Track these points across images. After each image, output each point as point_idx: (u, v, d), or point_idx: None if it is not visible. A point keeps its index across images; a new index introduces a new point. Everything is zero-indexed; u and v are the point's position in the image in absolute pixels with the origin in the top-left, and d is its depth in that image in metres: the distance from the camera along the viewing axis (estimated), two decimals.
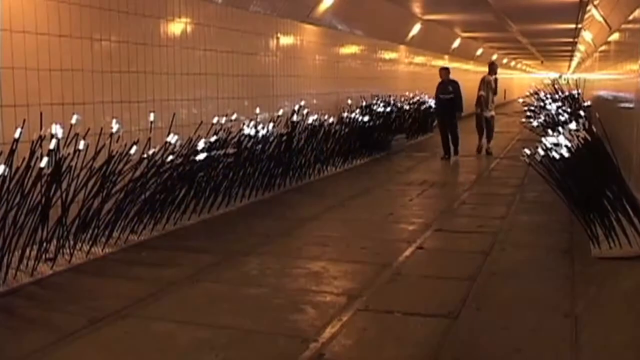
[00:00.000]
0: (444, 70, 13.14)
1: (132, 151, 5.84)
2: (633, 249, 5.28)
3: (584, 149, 5.79)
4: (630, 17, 8.79)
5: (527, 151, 6.04)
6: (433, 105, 17.59)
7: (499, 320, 4.27)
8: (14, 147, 4.85)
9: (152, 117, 6.60)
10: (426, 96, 16.90)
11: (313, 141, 9.67)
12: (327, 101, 11.78)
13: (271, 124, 8.42)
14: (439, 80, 13.08)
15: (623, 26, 9.92)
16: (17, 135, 4.91)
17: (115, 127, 5.85)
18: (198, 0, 8.00)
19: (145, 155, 6.09)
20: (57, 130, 5.14)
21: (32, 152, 4.94)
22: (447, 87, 12.76)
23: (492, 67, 13.80)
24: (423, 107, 16.63)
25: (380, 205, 8.38)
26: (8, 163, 4.75)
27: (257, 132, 7.96)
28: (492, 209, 7.85)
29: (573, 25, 17.68)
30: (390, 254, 5.83)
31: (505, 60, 35.14)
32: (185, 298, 4.73)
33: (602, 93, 13.97)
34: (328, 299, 4.69)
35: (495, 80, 13.63)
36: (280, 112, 9.24)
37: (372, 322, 4.30)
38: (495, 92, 13.62)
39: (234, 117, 7.98)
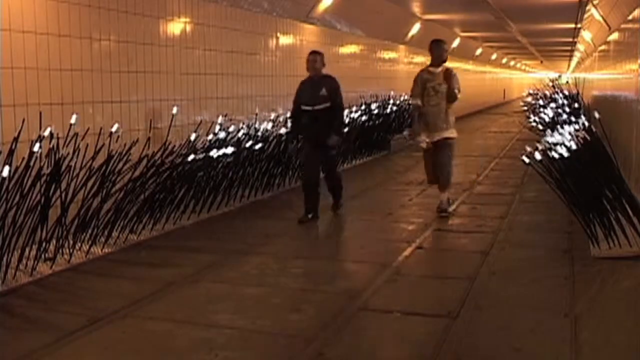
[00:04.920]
0: (315, 56, 7.23)
1: (131, 151, 5.84)
2: (632, 248, 5.28)
3: (584, 149, 5.79)
4: (630, 17, 8.79)
5: (526, 160, 5.99)
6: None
7: (498, 320, 4.27)
8: (14, 146, 4.85)
9: (151, 116, 6.60)
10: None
11: None
12: None
13: (270, 124, 8.41)
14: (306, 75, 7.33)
15: (622, 26, 9.92)
16: (16, 134, 4.91)
17: (114, 126, 5.85)
18: (198, 0, 7.99)
19: (144, 155, 6.09)
20: (51, 131, 5.14)
21: (32, 152, 4.94)
22: (318, 89, 7.07)
23: (437, 50, 7.38)
24: None
25: (380, 205, 8.37)
26: (7, 163, 4.75)
27: (256, 131, 7.95)
28: (491, 208, 7.85)
29: (572, 25, 17.70)
30: (389, 254, 5.83)
31: (504, 60, 35.19)
32: (185, 298, 4.73)
33: (602, 93, 13.97)
34: (328, 298, 4.69)
35: (449, 75, 7.23)
36: (280, 112, 9.23)
37: (371, 322, 4.30)
38: (451, 98, 7.25)
39: (233, 117, 7.97)
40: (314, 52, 7.36)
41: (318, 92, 7.07)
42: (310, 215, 7.18)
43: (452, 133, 7.39)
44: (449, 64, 7.41)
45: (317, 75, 7.20)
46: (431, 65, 7.41)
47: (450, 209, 7.58)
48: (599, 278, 5.03)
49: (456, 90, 7.26)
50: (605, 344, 3.82)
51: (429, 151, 7.43)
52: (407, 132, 8.19)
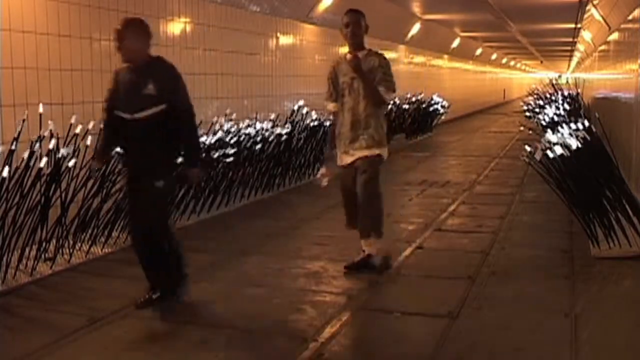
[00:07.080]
0: (127, 29, 4.32)
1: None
2: (632, 248, 5.30)
3: (584, 149, 5.80)
4: (630, 17, 8.80)
5: (526, 159, 6.01)
6: (438, 107, 17.28)
7: (498, 320, 4.27)
8: (14, 146, 4.85)
9: None
10: (422, 95, 16.94)
11: (312, 141, 9.66)
12: None
13: (270, 124, 8.41)
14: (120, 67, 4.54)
15: (622, 26, 9.93)
16: (16, 134, 4.92)
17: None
18: (198, 0, 8.00)
19: None
20: (51, 131, 5.14)
21: (32, 152, 4.94)
22: (140, 84, 4.17)
23: (352, 26, 5.32)
24: (423, 106, 16.66)
25: None
26: (7, 163, 4.75)
27: (256, 132, 7.96)
28: (491, 208, 7.85)
29: (572, 25, 17.70)
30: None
31: (504, 60, 35.19)
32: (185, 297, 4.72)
33: (602, 93, 13.97)
34: (327, 298, 4.69)
35: (382, 64, 5.19)
36: (280, 112, 9.24)
37: (371, 322, 4.30)
38: (375, 99, 5.00)
39: (233, 117, 7.97)
40: (125, 22, 4.34)
41: (140, 89, 4.16)
42: (155, 295, 4.27)
43: (380, 149, 5.01)
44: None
45: (139, 61, 4.25)
46: (349, 50, 5.07)
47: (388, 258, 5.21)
48: (599, 278, 5.03)
49: (381, 87, 4.78)
50: (605, 344, 3.82)
51: (349, 179, 5.12)
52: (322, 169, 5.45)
